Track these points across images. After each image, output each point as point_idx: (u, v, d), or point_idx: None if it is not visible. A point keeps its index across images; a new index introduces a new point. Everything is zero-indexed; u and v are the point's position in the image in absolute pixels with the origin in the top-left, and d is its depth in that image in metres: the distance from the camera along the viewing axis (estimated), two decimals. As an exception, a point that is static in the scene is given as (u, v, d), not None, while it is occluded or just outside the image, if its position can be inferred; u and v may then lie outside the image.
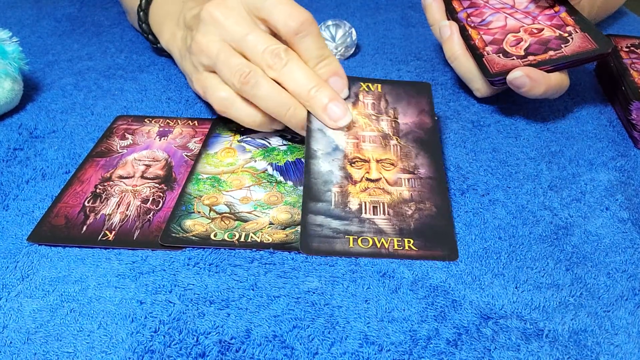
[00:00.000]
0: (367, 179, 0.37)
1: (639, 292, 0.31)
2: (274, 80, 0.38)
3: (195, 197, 0.37)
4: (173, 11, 0.49)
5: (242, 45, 0.39)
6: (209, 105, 0.48)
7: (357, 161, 0.38)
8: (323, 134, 0.39)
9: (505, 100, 0.50)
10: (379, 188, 0.37)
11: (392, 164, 0.38)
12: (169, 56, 0.55)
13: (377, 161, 0.38)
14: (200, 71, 0.41)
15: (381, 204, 0.36)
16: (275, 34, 0.40)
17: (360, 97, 0.42)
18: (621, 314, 0.30)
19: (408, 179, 0.37)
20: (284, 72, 0.38)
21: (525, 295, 0.31)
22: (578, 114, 0.48)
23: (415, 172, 0.38)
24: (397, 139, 0.40)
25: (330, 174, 0.37)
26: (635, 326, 0.30)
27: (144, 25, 0.52)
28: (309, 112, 0.40)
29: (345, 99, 0.41)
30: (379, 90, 0.43)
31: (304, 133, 0.39)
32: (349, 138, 0.39)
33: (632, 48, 0.51)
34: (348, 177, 0.37)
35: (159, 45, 0.53)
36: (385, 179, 0.37)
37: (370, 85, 0.43)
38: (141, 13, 0.52)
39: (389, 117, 0.41)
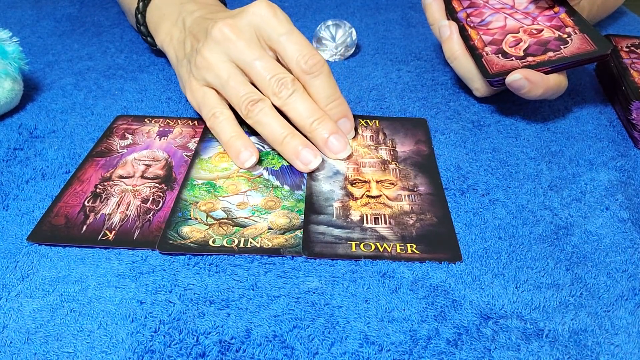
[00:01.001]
0: (368, 196, 0.38)
1: (639, 292, 0.31)
2: (277, 108, 0.40)
3: (192, 203, 0.37)
4: (170, 12, 0.49)
5: (250, 68, 0.40)
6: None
7: (357, 182, 0.39)
8: (324, 162, 0.40)
9: (505, 100, 0.50)
10: (380, 203, 0.37)
11: (392, 184, 0.39)
12: None
13: (377, 182, 0.39)
14: (199, 85, 0.42)
15: (382, 215, 0.36)
16: (280, 62, 0.41)
17: (360, 131, 0.44)
18: (621, 314, 0.30)
19: (408, 195, 0.38)
20: (289, 102, 0.39)
21: (525, 295, 0.31)
22: (578, 114, 0.48)
23: (415, 190, 0.38)
24: (395, 164, 0.41)
25: (331, 192, 0.38)
26: (635, 326, 0.30)
27: (142, 27, 0.52)
28: None
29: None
30: (377, 125, 0.45)
31: (297, 164, 0.39)
32: (349, 164, 0.41)
33: (632, 48, 0.51)
34: (349, 194, 0.38)
35: (157, 47, 0.53)
36: (386, 196, 0.38)
37: (368, 121, 0.46)
38: (139, 16, 0.52)
39: (387, 146, 0.43)
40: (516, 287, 0.31)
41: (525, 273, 0.32)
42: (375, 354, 0.28)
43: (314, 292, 0.31)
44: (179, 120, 0.46)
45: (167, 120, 0.46)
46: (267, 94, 0.40)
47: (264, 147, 0.42)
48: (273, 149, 0.42)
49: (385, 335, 0.29)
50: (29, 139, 0.44)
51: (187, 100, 0.46)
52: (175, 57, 0.47)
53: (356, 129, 0.44)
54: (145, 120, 0.46)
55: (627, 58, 0.50)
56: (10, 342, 0.28)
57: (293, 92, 0.39)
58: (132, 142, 0.43)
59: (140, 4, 0.52)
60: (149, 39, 0.53)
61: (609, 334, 0.29)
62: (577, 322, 0.30)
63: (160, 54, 0.56)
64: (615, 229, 0.36)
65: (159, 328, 0.29)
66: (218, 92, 0.42)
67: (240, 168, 0.40)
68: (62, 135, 0.44)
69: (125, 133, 0.44)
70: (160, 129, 0.45)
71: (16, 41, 0.46)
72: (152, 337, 0.28)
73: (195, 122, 0.46)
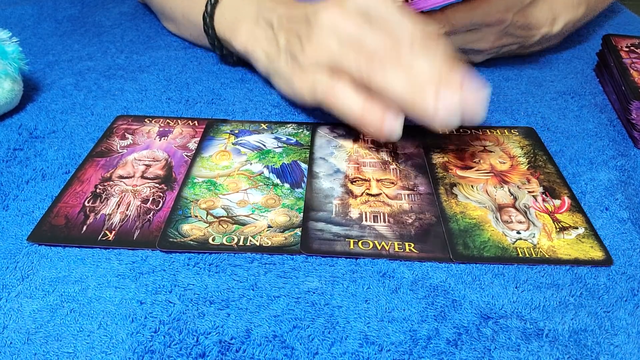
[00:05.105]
0: (368, 194, 0.38)
1: (638, 293, 0.31)
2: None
3: (192, 201, 0.37)
4: (246, 13, 0.48)
5: (365, 45, 0.37)
6: (209, 106, 0.48)
7: (357, 180, 0.39)
8: (325, 161, 0.41)
9: (506, 99, 0.50)
10: (379, 201, 0.37)
11: (392, 183, 0.39)
12: (238, 62, 0.54)
13: (377, 180, 0.39)
14: (308, 70, 0.40)
15: (381, 214, 0.36)
16: None
17: (361, 135, 0.44)
18: (621, 315, 0.30)
19: (407, 194, 0.38)
20: (412, 59, 0.36)
21: (525, 295, 0.31)
22: (578, 113, 0.48)
23: (415, 190, 0.38)
24: (396, 164, 0.41)
25: (331, 189, 0.38)
26: (634, 326, 0.30)
27: (210, 30, 0.51)
28: (312, 143, 0.42)
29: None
30: None
31: (435, 119, 0.34)
32: (350, 163, 0.41)
33: (632, 48, 0.51)
34: (349, 192, 0.38)
35: (223, 53, 0.52)
36: (386, 194, 0.38)
37: None
38: (208, 19, 0.50)
39: (388, 149, 0.43)
40: (516, 287, 0.31)
41: (525, 273, 0.32)
42: (375, 354, 0.28)
43: (313, 292, 0.31)
44: (179, 121, 0.46)
45: (167, 120, 0.46)
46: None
47: (264, 145, 0.42)
48: (274, 148, 0.42)
49: (385, 335, 0.29)
50: (29, 139, 0.44)
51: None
52: (265, 56, 0.46)
53: (358, 136, 0.44)
54: (146, 120, 0.46)
55: (627, 58, 0.50)
56: (10, 343, 0.28)
57: (415, 52, 0.36)
58: (132, 142, 0.43)
59: (209, 6, 0.50)
60: (216, 42, 0.51)
61: (608, 334, 0.29)
62: (577, 322, 0.30)
63: (227, 60, 0.54)
64: (615, 229, 0.36)
65: (159, 328, 0.29)
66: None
67: (383, 141, 0.37)
68: (62, 135, 0.44)
69: (125, 133, 0.44)
70: (161, 129, 0.45)
71: (16, 41, 0.46)
72: (152, 337, 0.28)
73: (195, 122, 0.46)
